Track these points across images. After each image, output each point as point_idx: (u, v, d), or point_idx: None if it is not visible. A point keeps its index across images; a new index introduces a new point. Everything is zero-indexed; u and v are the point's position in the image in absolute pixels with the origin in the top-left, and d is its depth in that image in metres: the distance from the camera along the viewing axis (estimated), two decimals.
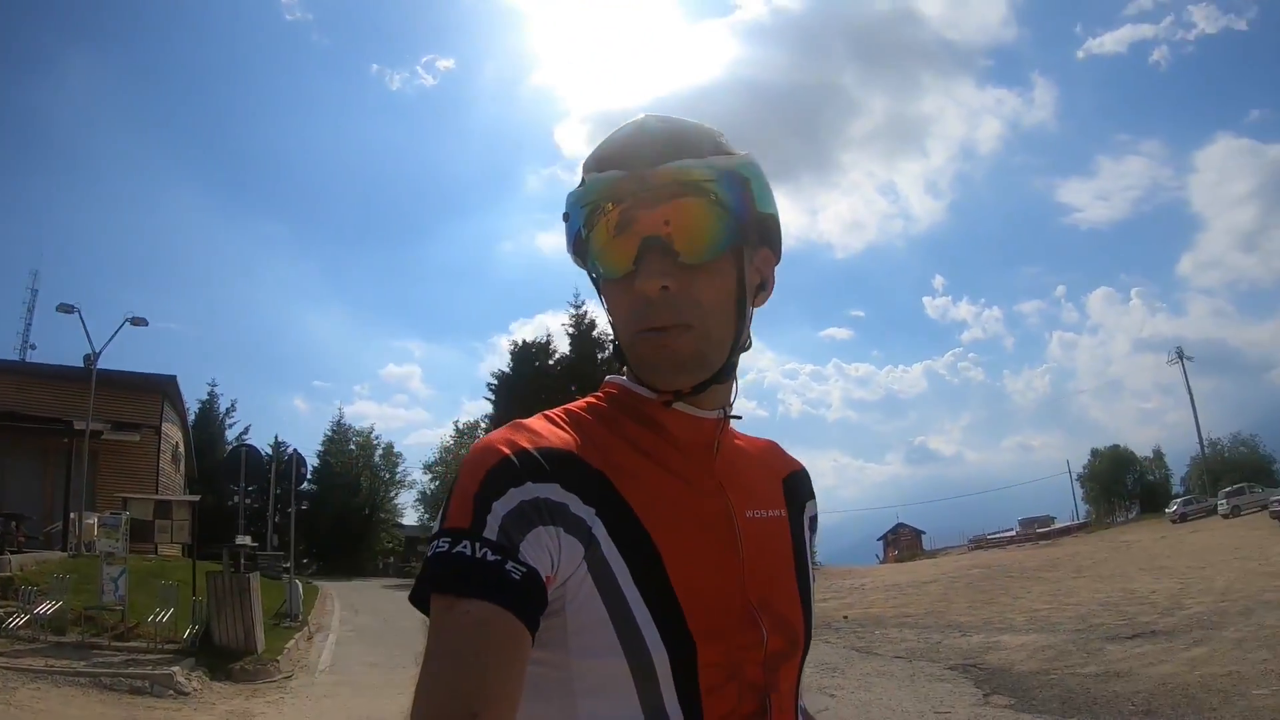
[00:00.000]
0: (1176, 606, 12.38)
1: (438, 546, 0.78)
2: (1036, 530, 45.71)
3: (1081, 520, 52.18)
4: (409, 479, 54.19)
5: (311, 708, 9.26)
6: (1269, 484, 36.86)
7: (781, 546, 1.01)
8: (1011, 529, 48.99)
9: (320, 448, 51.83)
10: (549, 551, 0.79)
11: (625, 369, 0.98)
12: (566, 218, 0.93)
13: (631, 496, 0.86)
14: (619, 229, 0.88)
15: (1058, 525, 48.09)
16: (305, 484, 28.19)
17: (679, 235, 0.87)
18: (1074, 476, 58.58)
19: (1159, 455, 57.83)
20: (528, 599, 0.75)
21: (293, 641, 13.50)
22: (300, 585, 18.22)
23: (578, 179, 0.94)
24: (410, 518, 55.18)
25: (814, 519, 1.15)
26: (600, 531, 0.83)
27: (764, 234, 0.97)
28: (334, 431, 53.67)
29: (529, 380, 46.08)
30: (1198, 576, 16.06)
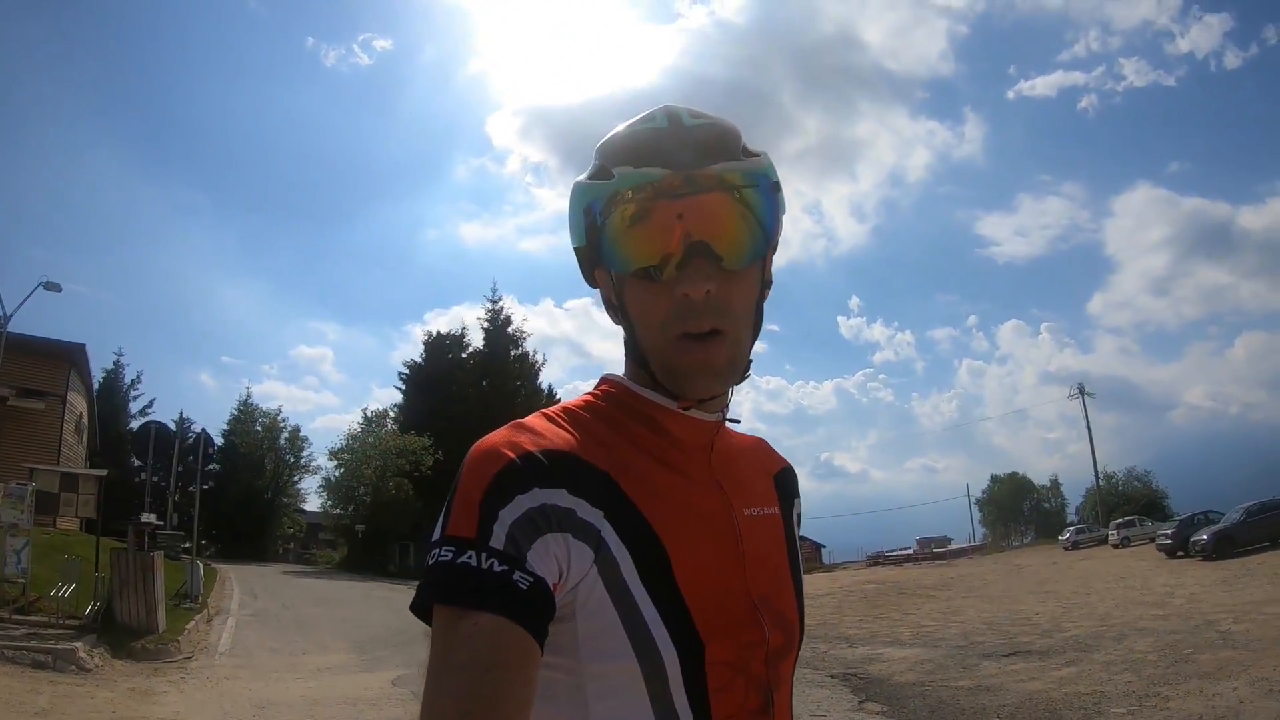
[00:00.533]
0: (1056, 629, 13.11)
1: (440, 555, 0.77)
2: (933, 550, 47.57)
3: (978, 543, 54.17)
4: (314, 464, 53.01)
5: (213, 689, 9.39)
6: (1159, 518, 38.11)
7: (777, 543, 1.02)
8: (910, 548, 50.48)
9: (225, 427, 50.66)
10: (556, 559, 0.79)
11: (631, 368, 0.97)
12: (589, 211, 0.90)
13: (637, 497, 0.85)
14: (642, 219, 0.86)
15: (954, 546, 49.97)
16: (209, 464, 27.68)
17: (723, 241, 0.86)
18: (973, 500, 60.54)
19: (1056, 484, 60.85)
20: (536, 610, 0.75)
21: (192, 623, 13.49)
22: (200, 566, 18.07)
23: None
24: (313, 504, 54.04)
25: (799, 516, 1.15)
26: (609, 534, 0.82)
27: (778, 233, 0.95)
28: (240, 411, 52.57)
29: (441, 372, 45.69)
30: (1081, 602, 16.91)
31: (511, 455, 0.81)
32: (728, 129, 0.91)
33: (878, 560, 47.32)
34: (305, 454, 54.03)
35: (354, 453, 43.80)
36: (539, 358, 48.40)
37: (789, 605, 0.98)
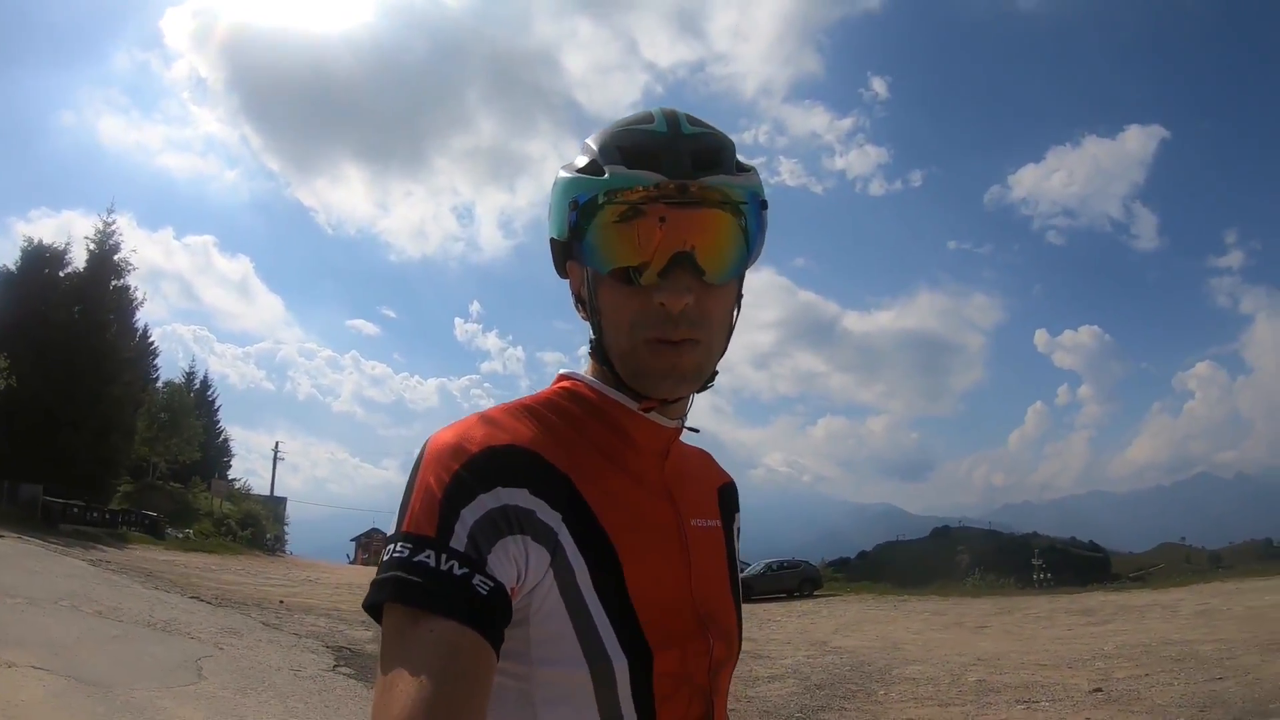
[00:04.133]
0: None
1: (397, 551, 0.75)
2: None
3: None
4: None
5: None
6: None
7: (719, 556, 1.01)
8: None
9: None
10: (515, 562, 0.77)
11: (594, 368, 0.95)
12: (575, 205, 0.87)
13: (594, 502, 0.84)
14: (628, 221, 0.85)
15: None
16: None
17: (708, 254, 0.85)
18: None
19: None
20: (494, 616, 0.73)
21: None
22: None
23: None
24: None
25: (739, 531, 1.14)
26: (565, 538, 0.81)
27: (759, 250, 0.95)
28: None
29: (34, 289, 39.19)
30: None
31: (475, 450, 0.80)
32: (724, 141, 0.90)
33: None
34: None
35: None
36: (139, 294, 42.06)
37: (729, 617, 0.98)
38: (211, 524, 38.79)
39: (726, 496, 1.11)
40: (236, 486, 51.97)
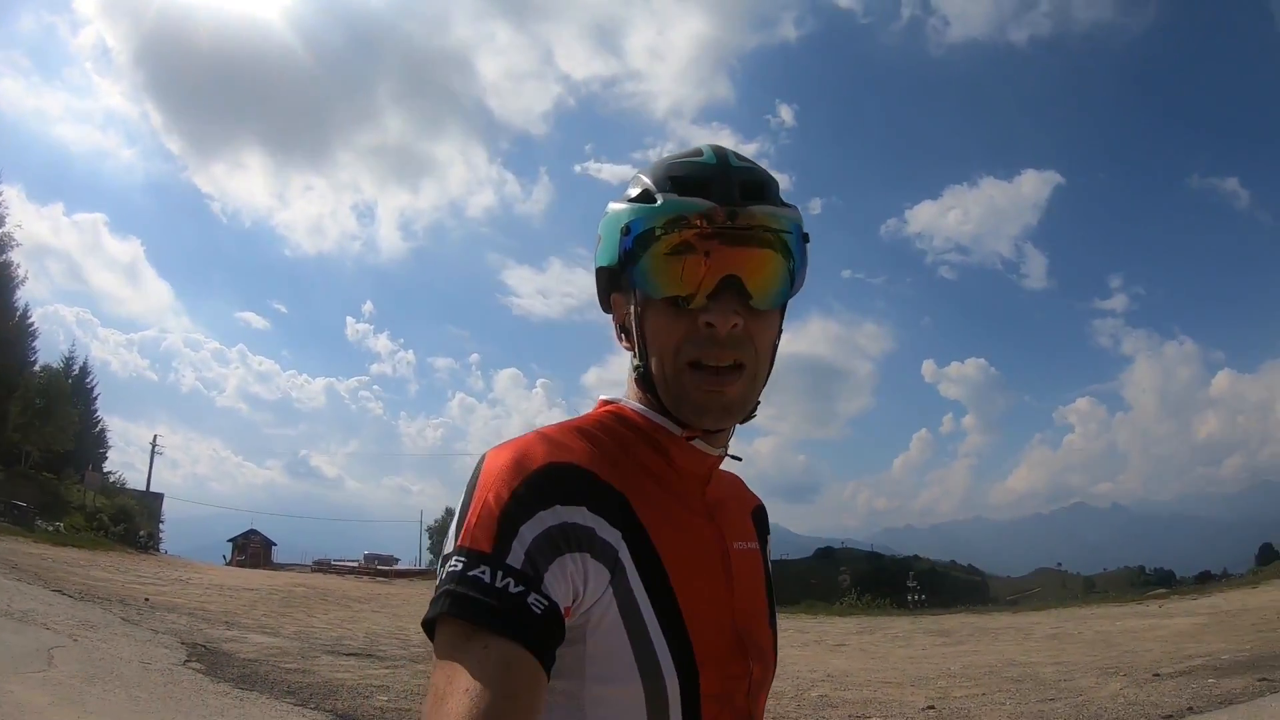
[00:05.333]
0: (415, 645, 14.22)
1: (453, 565, 0.75)
2: (377, 566, 49.05)
3: (424, 567, 56.32)
4: None
5: None
6: None
7: (758, 578, 1.03)
8: (357, 560, 51.53)
9: None
10: (573, 580, 0.77)
11: (638, 394, 0.95)
12: (627, 230, 0.89)
13: (647, 521, 0.85)
14: (682, 248, 0.86)
15: (400, 566, 52.19)
16: None
17: (755, 279, 0.87)
18: (424, 527, 63.09)
19: None
20: (547, 636, 0.73)
21: None
22: None
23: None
24: None
25: (769, 552, 1.14)
26: (625, 556, 0.82)
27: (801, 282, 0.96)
28: None
29: None
30: None
31: (534, 467, 0.80)
32: (770, 178, 0.93)
33: (323, 567, 47.09)
34: None
35: None
36: (22, 271, 41.17)
37: (767, 639, 1.00)
38: (84, 518, 37.10)
39: (759, 519, 1.13)
40: (112, 480, 49.65)
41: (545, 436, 0.85)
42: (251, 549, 54.09)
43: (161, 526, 49.31)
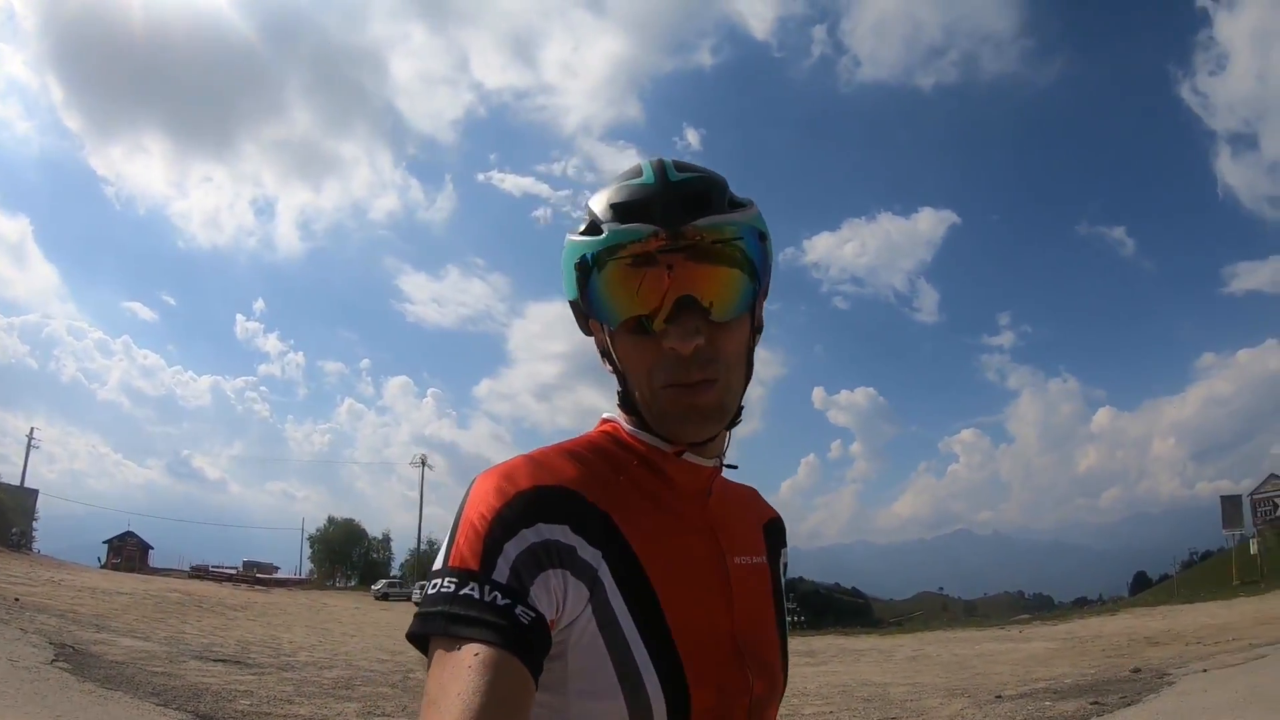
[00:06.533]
0: (288, 653, 14.86)
1: (444, 586, 0.77)
2: (256, 574, 48.33)
3: (304, 576, 56.06)
4: None
5: None
6: None
7: (763, 593, 1.02)
8: (236, 567, 50.59)
9: None
10: (555, 595, 0.79)
11: (626, 414, 0.97)
12: (582, 267, 0.89)
13: (634, 539, 0.85)
14: (629, 275, 0.86)
15: (280, 575, 51.53)
16: None
17: (710, 294, 0.87)
18: (305, 535, 62.31)
19: (386, 539, 65.59)
20: (535, 644, 0.75)
21: None
22: None
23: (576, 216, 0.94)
24: None
25: (785, 566, 1.14)
26: (605, 575, 0.82)
27: (768, 280, 0.96)
28: None
29: None
30: (335, 639, 19.46)
31: (518, 489, 0.81)
32: (714, 181, 0.92)
33: (200, 573, 46.13)
34: None
35: None
36: None
37: (773, 654, 0.99)
38: None
39: (772, 532, 1.12)
40: None
41: (533, 460, 0.87)
42: (127, 552, 52.12)
43: (35, 524, 47.19)
